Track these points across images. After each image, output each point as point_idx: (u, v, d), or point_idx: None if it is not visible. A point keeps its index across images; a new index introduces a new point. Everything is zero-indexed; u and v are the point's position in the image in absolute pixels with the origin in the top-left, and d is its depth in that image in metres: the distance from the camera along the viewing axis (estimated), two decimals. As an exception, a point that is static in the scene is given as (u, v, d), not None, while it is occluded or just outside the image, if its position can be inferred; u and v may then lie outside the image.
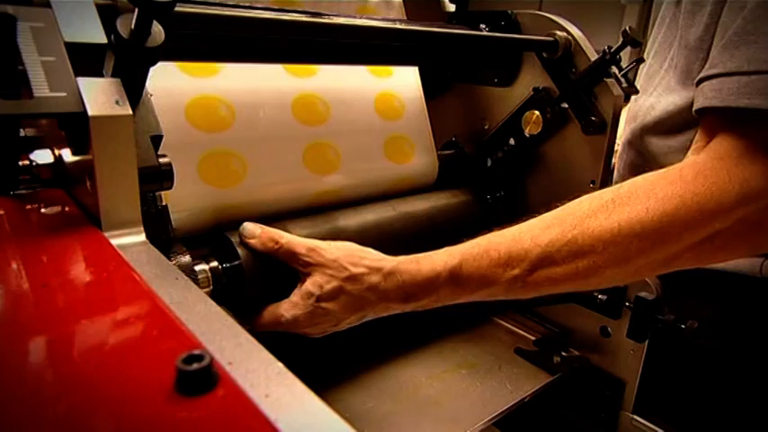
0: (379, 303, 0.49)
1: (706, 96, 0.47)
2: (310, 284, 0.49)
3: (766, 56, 0.43)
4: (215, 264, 0.51)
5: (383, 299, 0.49)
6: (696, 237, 0.44)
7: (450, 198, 0.73)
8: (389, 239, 0.56)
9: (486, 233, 0.50)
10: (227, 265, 0.51)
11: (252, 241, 0.51)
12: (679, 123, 0.59)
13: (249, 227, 0.52)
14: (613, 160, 0.71)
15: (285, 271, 0.51)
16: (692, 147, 0.49)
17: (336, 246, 0.51)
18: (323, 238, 0.53)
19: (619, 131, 0.68)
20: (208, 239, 0.55)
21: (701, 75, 0.48)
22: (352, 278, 0.49)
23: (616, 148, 0.72)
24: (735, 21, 0.47)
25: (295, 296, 0.50)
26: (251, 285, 0.51)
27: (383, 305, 0.50)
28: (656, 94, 0.65)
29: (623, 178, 0.67)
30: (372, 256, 0.51)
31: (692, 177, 0.44)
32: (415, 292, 0.49)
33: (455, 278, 0.48)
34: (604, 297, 0.64)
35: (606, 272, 0.45)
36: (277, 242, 0.50)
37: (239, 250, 0.52)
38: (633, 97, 0.67)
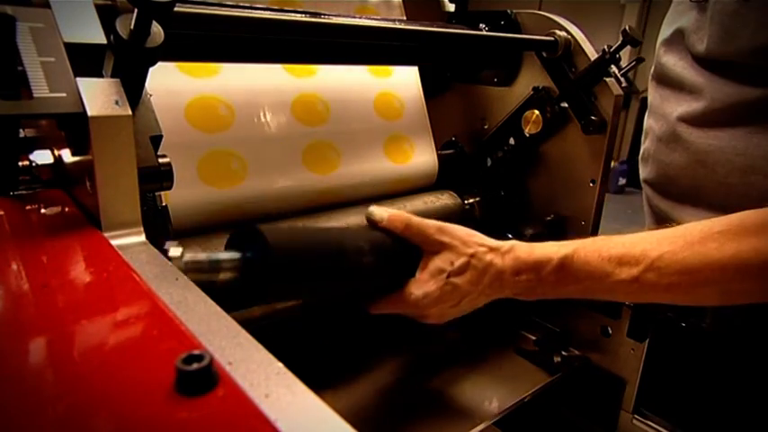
0: (495, 281, 0.52)
1: None
2: (440, 262, 0.52)
3: None
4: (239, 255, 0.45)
5: (498, 276, 0.52)
6: None
7: (428, 203, 0.73)
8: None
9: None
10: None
11: (382, 224, 0.54)
12: (729, 118, 0.60)
13: (377, 211, 0.55)
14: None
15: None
16: None
17: (457, 227, 0.54)
18: None
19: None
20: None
21: None
22: (476, 255, 0.52)
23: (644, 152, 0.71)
24: None
25: (423, 275, 0.52)
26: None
27: (498, 283, 0.52)
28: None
29: (669, 179, 0.66)
30: (489, 238, 0.55)
31: None
32: (524, 271, 0.52)
33: (565, 266, 0.51)
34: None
35: (702, 294, 0.48)
36: (407, 224, 0.53)
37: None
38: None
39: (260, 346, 0.24)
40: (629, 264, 0.49)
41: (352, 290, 0.55)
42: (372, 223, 0.55)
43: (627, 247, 0.50)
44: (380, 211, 0.55)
